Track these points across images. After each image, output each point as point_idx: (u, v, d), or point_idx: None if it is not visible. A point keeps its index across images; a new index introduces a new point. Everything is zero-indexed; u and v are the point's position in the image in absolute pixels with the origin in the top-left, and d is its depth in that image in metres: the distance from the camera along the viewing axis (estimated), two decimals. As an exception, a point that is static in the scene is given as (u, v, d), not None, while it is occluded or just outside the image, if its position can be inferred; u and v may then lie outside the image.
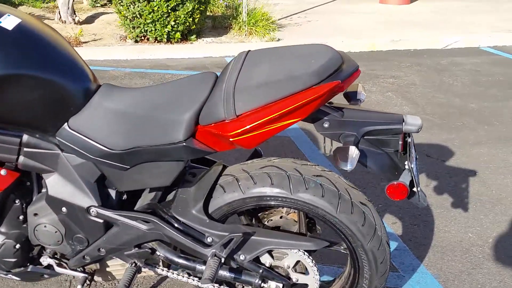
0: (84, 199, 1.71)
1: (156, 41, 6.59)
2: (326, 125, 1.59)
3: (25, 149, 1.68)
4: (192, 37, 6.73)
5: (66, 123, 1.64)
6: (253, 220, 1.92)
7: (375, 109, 1.69)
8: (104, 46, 6.46)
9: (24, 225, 1.80)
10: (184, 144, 1.57)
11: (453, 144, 3.77)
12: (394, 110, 4.48)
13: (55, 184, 1.71)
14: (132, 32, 6.57)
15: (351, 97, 1.75)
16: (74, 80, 1.68)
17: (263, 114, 1.49)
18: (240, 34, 7.00)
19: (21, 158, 1.69)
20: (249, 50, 1.72)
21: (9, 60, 1.54)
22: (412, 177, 1.56)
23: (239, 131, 1.50)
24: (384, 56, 6.39)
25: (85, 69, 1.72)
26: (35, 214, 1.76)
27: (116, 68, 5.67)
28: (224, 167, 1.79)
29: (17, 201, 1.77)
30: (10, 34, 1.57)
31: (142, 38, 6.66)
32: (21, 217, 1.79)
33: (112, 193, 1.77)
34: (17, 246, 1.78)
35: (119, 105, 1.66)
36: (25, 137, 1.67)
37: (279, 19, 7.83)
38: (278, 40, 6.72)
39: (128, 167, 1.65)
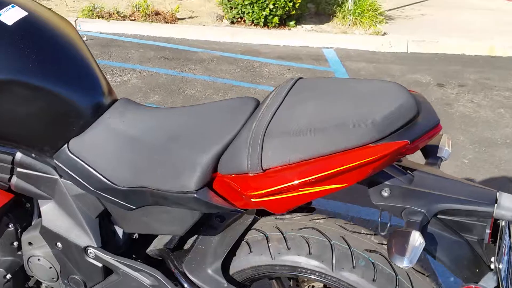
0: (82, 237, 1.42)
1: (253, 24, 6.26)
2: (385, 193, 1.17)
3: (18, 169, 1.42)
4: (291, 23, 6.33)
5: (66, 145, 1.36)
6: (291, 282, 1.54)
7: (457, 177, 1.23)
8: (198, 25, 6.23)
9: (19, 253, 1.56)
10: (195, 195, 1.22)
11: None
12: (504, 132, 3.84)
13: (50, 214, 1.44)
14: (229, 13, 6.29)
15: (430, 152, 1.31)
16: (82, 92, 1.38)
17: (298, 173, 1.10)
18: (344, 23, 6.49)
19: (14, 178, 1.44)
20: (300, 78, 1.32)
21: (1, 62, 1.27)
22: (498, 282, 1.11)
23: (262, 192, 1.13)
24: (503, 63, 5.62)
25: (98, 79, 1.42)
26: (30, 244, 1.50)
27: (205, 50, 5.42)
28: (258, 216, 1.43)
29: (10, 226, 1.52)
30: (8, 30, 1.30)
31: (239, 19, 6.36)
32: (15, 244, 1.55)
33: (119, 231, 1.47)
34: (8, 276, 1.54)
35: (131, 129, 1.35)
36: (19, 156, 1.41)
37: (388, 10, 7.21)
38: (384, 34, 6.14)
39: (134, 207, 1.34)
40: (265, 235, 1.34)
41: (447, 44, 5.91)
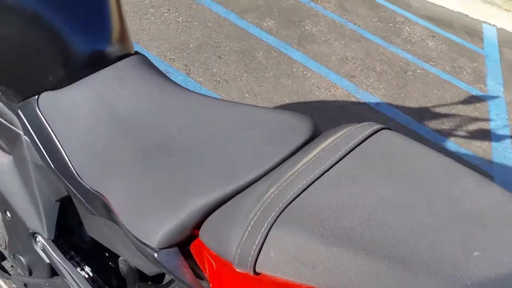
0: (33, 219, 1.04)
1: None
2: None
3: None
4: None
5: (37, 97, 0.94)
6: None
7: None
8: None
9: None
10: (155, 256, 0.77)
11: None
12: None
13: (5, 173, 1.05)
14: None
15: None
16: (82, 32, 0.94)
17: None
18: (521, 0, 5.43)
19: None
20: (384, 128, 0.78)
21: None
22: None
23: None
24: None
25: (109, 20, 0.96)
26: None
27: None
28: None
29: None
30: None
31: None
32: None
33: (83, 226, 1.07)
34: None
35: (123, 110, 0.90)
36: None
37: None
38: None
39: (96, 214, 0.93)
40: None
41: None
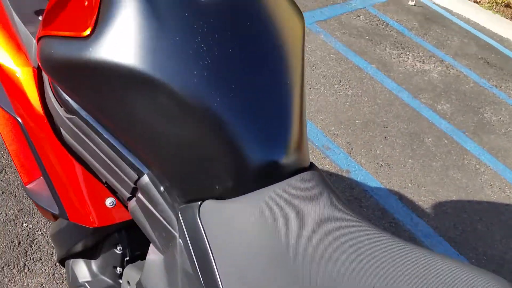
0: None
1: None
2: None
3: (139, 194, 1.01)
4: None
5: (199, 203, 0.89)
6: None
7: None
8: None
9: (120, 281, 1.20)
10: None
11: None
12: None
13: (152, 272, 1.02)
14: None
15: None
16: (257, 141, 0.87)
17: None
18: None
19: (133, 201, 1.03)
20: None
21: (163, 56, 0.83)
22: None
23: None
24: None
25: (290, 131, 0.89)
26: (128, 283, 1.13)
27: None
28: None
29: (119, 248, 1.16)
30: (194, 12, 0.83)
31: None
32: (118, 270, 1.19)
33: None
34: None
35: (290, 233, 0.81)
36: (145, 179, 0.98)
37: None
38: None
39: None
40: None
41: None
